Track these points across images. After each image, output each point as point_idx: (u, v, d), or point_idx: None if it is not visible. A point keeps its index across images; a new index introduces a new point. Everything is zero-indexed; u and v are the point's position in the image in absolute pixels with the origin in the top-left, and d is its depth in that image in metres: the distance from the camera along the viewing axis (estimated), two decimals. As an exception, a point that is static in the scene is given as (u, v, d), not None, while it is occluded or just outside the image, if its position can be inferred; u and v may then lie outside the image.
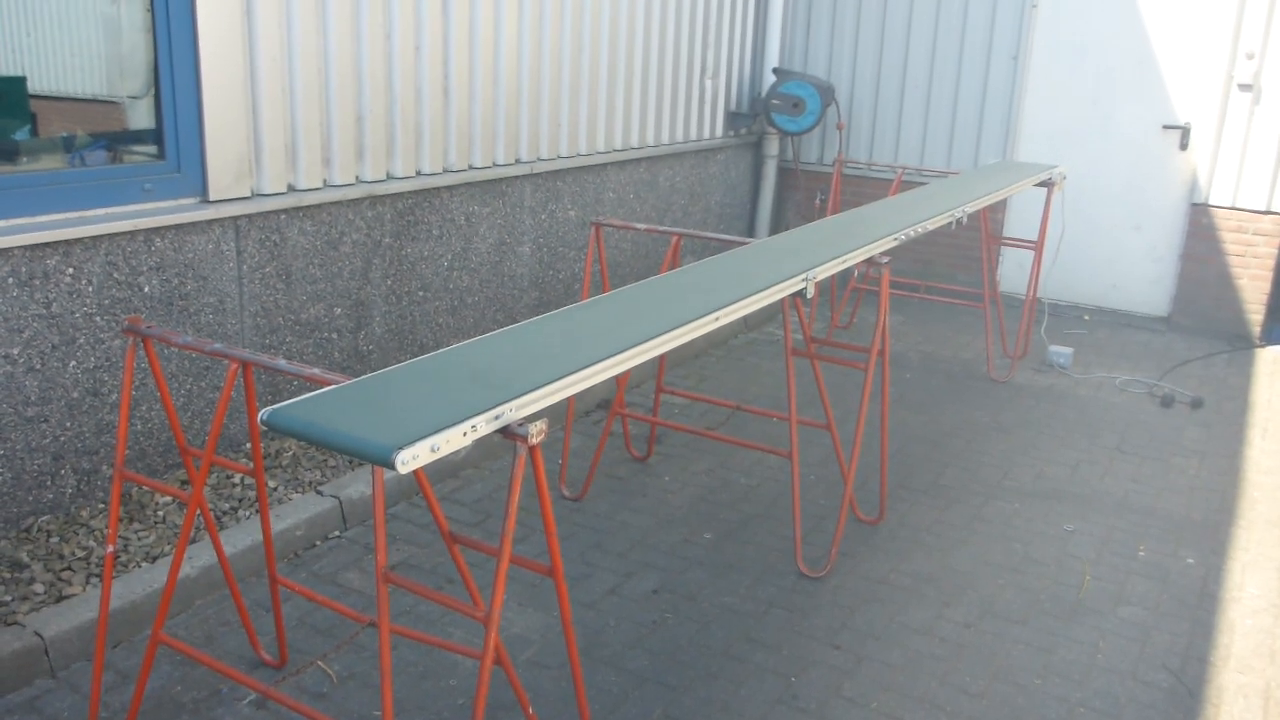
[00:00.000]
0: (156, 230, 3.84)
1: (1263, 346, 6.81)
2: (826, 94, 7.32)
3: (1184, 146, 6.83)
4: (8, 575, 3.30)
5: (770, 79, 7.75)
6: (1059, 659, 3.34)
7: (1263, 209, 6.67)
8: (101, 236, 3.66)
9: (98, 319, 3.71)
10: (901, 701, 3.09)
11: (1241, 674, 3.30)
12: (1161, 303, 7.14)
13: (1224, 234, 6.81)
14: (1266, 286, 6.76)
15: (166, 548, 3.55)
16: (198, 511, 3.38)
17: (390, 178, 4.80)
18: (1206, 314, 6.96)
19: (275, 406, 2.14)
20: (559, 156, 5.86)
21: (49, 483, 3.67)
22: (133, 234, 3.76)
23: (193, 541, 3.57)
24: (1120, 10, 6.85)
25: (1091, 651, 3.39)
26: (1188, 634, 3.51)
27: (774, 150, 7.95)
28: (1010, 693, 3.16)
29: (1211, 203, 6.80)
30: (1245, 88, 6.57)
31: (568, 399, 4.23)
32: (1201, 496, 4.57)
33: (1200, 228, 6.86)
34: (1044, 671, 3.28)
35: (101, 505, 3.82)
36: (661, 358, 4.39)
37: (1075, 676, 3.26)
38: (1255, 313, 6.83)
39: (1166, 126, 6.86)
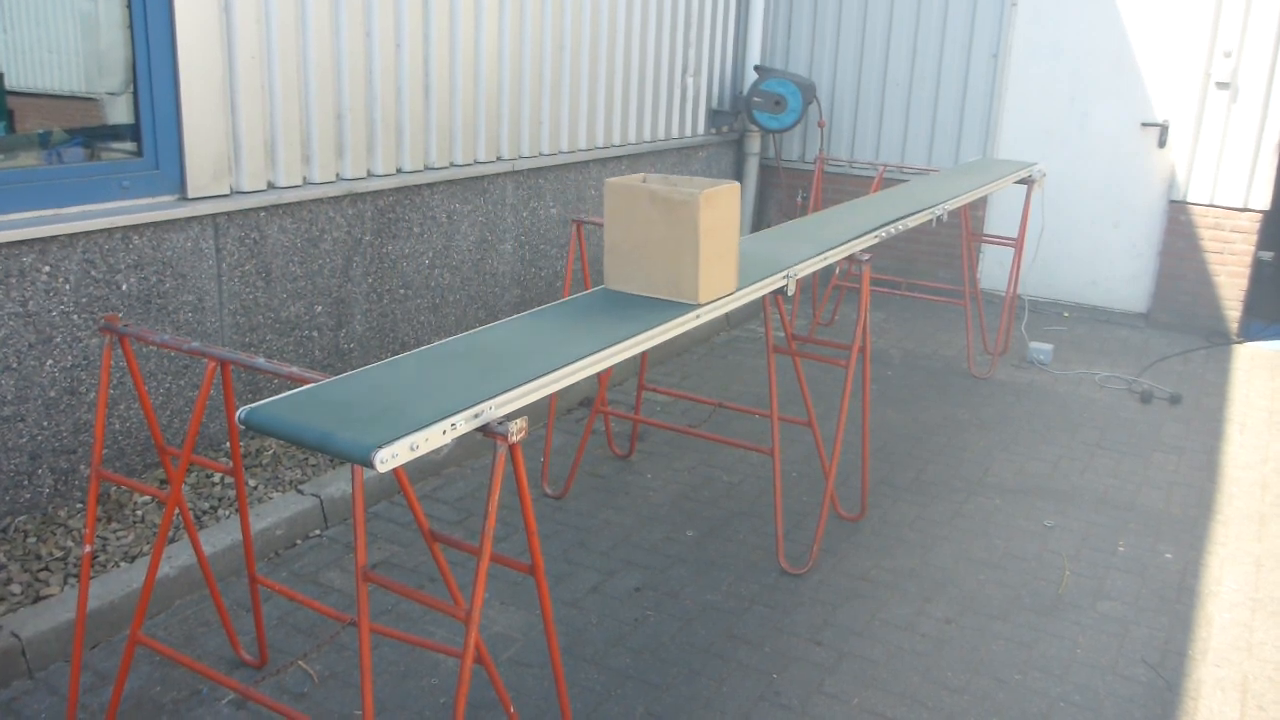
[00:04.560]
0: (134, 228, 3.81)
1: (1240, 342, 6.87)
2: (808, 92, 7.33)
3: (1162, 144, 6.87)
4: (-16, 576, 3.28)
5: (752, 76, 7.75)
6: (1039, 654, 3.36)
7: (1240, 206, 6.72)
8: (78, 234, 3.63)
9: (75, 317, 3.68)
10: (883, 697, 3.11)
11: (1219, 667, 3.33)
12: (1140, 299, 7.18)
13: (1202, 231, 6.86)
14: (1243, 283, 6.81)
15: (145, 547, 3.52)
16: (176, 511, 3.36)
17: (371, 175, 4.79)
18: (1185, 310, 7.01)
19: (253, 405, 2.13)
20: (541, 154, 5.85)
21: (26, 482, 3.63)
22: (110, 231, 3.73)
23: (172, 541, 3.55)
24: (1099, 9, 6.89)
25: (1071, 646, 3.41)
26: (1166, 628, 3.53)
27: (756, 148, 7.96)
28: (991, 687, 3.18)
29: (1190, 200, 6.85)
30: (1223, 85, 6.61)
31: (549, 397, 4.22)
32: (1180, 492, 4.60)
33: (1178, 225, 6.91)
34: (1024, 666, 3.29)
35: (79, 505, 3.79)
36: (643, 355, 4.39)
37: (1055, 671, 3.27)
38: (1233, 309, 6.88)
39: (1145, 124, 6.90)
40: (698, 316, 2.99)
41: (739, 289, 3.15)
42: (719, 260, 2.93)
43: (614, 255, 3.00)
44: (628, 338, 2.71)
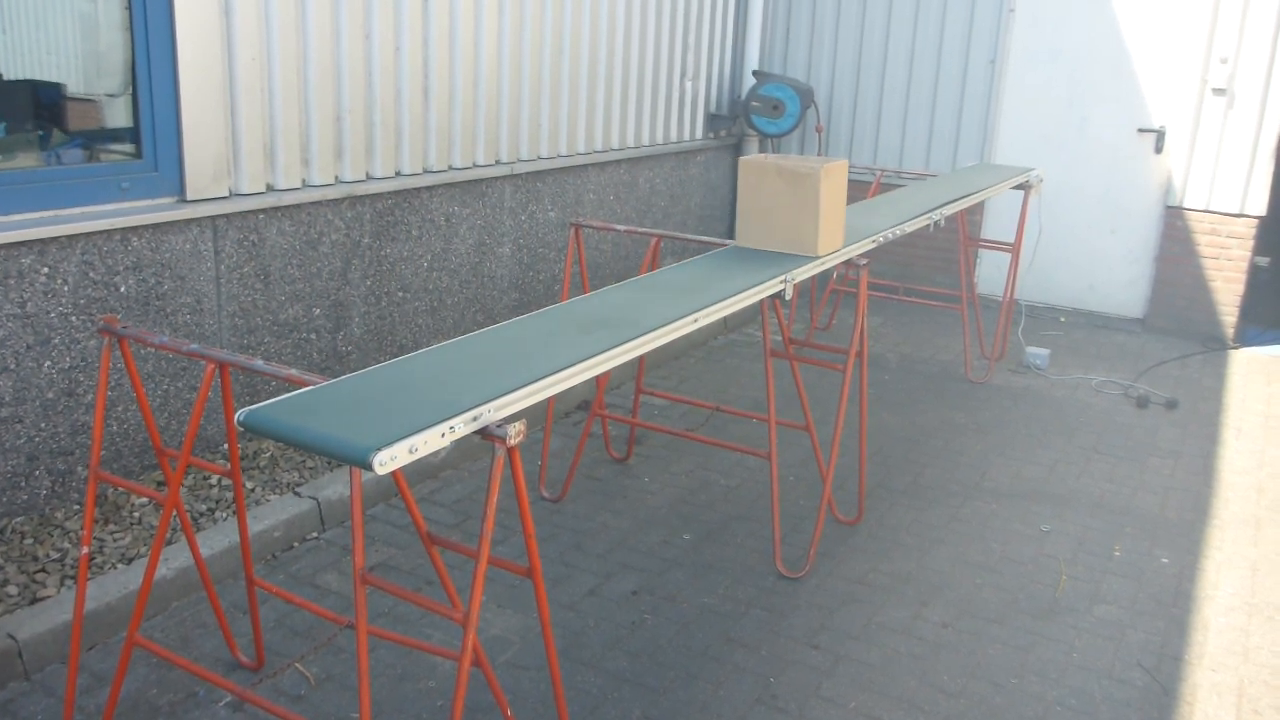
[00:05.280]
0: (133, 229, 3.81)
1: (1236, 348, 6.88)
2: (806, 96, 7.34)
3: (1159, 150, 6.89)
4: (-19, 577, 3.28)
5: (750, 81, 7.77)
6: (1035, 658, 3.37)
7: (1236, 212, 6.74)
8: (77, 235, 3.63)
9: (73, 319, 3.68)
10: (879, 701, 3.11)
11: (1215, 672, 3.33)
12: (1137, 304, 7.20)
13: (1198, 236, 6.87)
14: (1240, 288, 6.83)
15: (142, 549, 3.52)
16: (174, 513, 3.36)
17: (370, 178, 4.79)
18: (1181, 316, 7.03)
19: (252, 407, 2.13)
20: (539, 157, 5.85)
21: (23, 484, 3.63)
22: (109, 233, 3.73)
23: (169, 543, 3.55)
24: (1096, 15, 6.91)
25: (1067, 650, 3.42)
26: (1162, 633, 3.54)
27: (754, 152, 7.97)
28: (987, 692, 3.18)
29: (1186, 205, 6.87)
30: (1219, 92, 6.63)
31: (547, 400, 4.23)
32: (1176, 496, 4.61)
33: (1175, 230, 6.92)
34: (1021, 670, 3.30)
35: (76, 507, 3.79)
36: (641, 359, 4.40)
37: (1052, 675, 3.28)
38: (1229, 314, 6.89)
39: (1142, 130, 6.92)
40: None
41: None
42: (832, 221, 3.73)
43: (745, 219, 3.80)
44: (627, 341, 2.72)
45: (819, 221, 3.65)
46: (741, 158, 3.78)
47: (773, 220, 3.73)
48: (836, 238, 3.80)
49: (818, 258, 3.70)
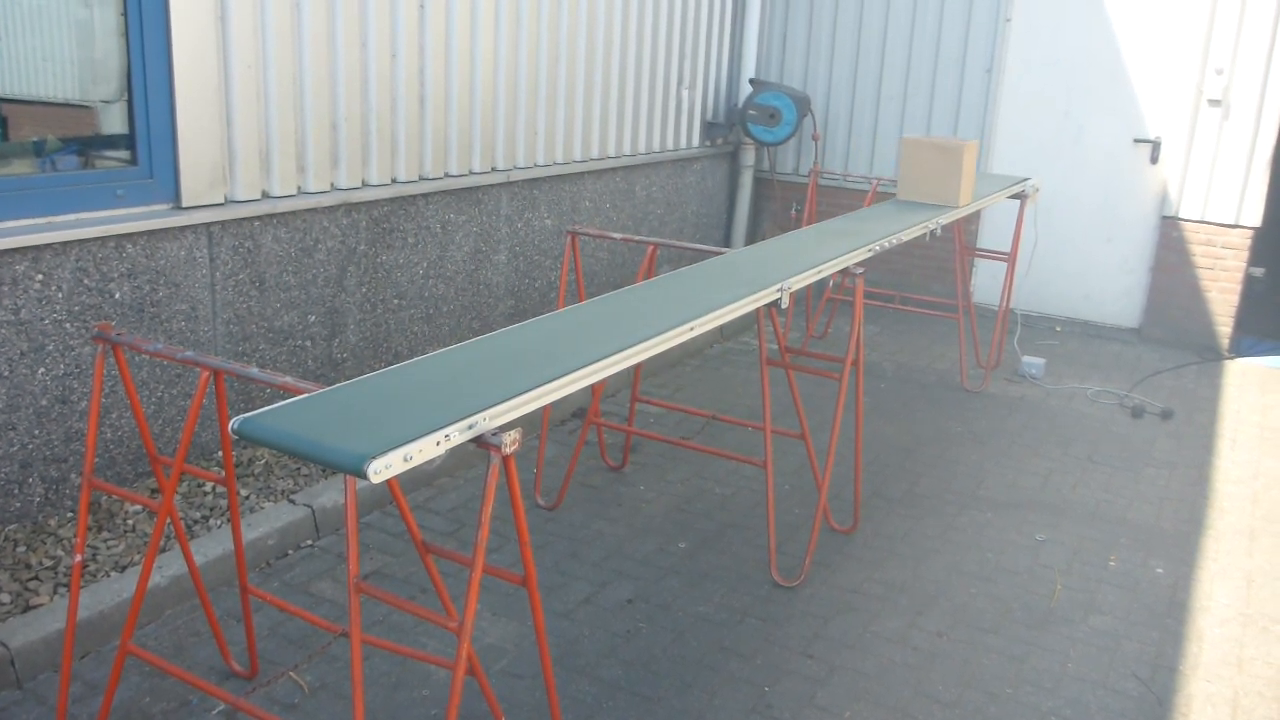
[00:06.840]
0: (128, 236, 3.81)
1: (1231, 358, 6.89)
2: (802, 105, 7.36)
3: (1155, 160, 6.91)
4: (-27, 585, 3.26)
5: (747, 89, 7.78)
6: (1030, 668, 3.36)
7: (1231, 222, 6.76)
8: (72, 242, 3.63)
9: (67, 325, 3.67)
10: (874, 710, 3.10)
11: (1210, 682, 3.33)
12: (1132, 314, 7.21)
13: (1194, 247, 6.89)
14: (1235, 299, 6.84)
15: (136, 557, 3.51)
16: (168, 520, 3.35)
17: (366, 185, 4.79)
18: (1176, 326, 7.04)
19: (247, 415, 2.12)
20: (535, 165, 5.86)
21: (16, 491, 3.62)
22: (104, 240, 3.73)
23: (163, 550, 3.54)
24: (1092, 25, 6.93)
25: (1062, 660, 3.42)
26: (1157, 643, 3.54)
27: (750, 160, 7.98)
28: (982, 701, 3.18)
29: (1181, 216, 6.88)
30: (1215, 103, 6.65)
31: (543, 408, 4.22)
32: (1171, 507, 4.61)
33: (1170, 240, 6.94)
34: (1015, 680, 3.29)
35: (70, 514, 3.77)
36: (637, 367, 4.39)
37: (1046, 685, 3.28)
38: (1224, 325, 6.91)
39: (1137, 140, 6.94)
40: (691, 329, 3.30)
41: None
42: (968, 183, 5.15)
43: (904, 182, 5.23)
44: (623, 349, 2.73)
45: (961, 181, 5.05)
46: (904, 136, 4.89)
47: (926, 181, 5.14)
48: (969, 195, 5.20)
49: (958, 206, 5.06)
